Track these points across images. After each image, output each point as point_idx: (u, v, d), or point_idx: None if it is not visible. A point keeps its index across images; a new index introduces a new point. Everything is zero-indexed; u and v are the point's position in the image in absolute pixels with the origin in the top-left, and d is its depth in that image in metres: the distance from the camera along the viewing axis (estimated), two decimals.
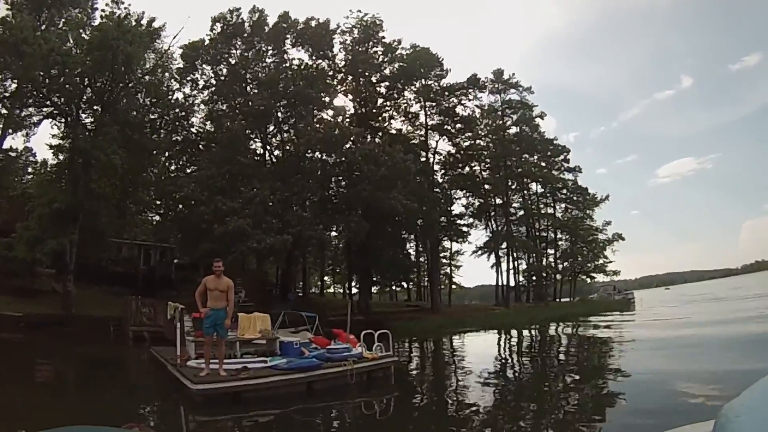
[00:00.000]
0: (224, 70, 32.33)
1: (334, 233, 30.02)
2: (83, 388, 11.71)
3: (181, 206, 28.85)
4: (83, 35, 26.44)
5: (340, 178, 29.38)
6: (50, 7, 27.88)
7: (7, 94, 26.75)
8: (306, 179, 28.29)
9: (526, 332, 24.96)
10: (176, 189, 27.73)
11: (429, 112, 36.80)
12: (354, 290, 35.54)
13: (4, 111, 27.03)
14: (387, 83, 35.15)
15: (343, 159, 28.01)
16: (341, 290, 52.39)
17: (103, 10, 27.71)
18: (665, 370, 10.05)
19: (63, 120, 27.60)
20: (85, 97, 26.87)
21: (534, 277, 43.68)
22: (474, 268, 78.11)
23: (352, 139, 28.43)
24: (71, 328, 21.86)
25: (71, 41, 25.91)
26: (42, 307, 23.69)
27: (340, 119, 31.33)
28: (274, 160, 32.16)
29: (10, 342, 17.87)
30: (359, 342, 11.29)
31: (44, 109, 27.71)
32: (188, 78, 32.46)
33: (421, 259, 38.30)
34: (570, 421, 7.18)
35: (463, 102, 37.40)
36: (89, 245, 27.21)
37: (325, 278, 48.07)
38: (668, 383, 8.62)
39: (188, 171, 31.11)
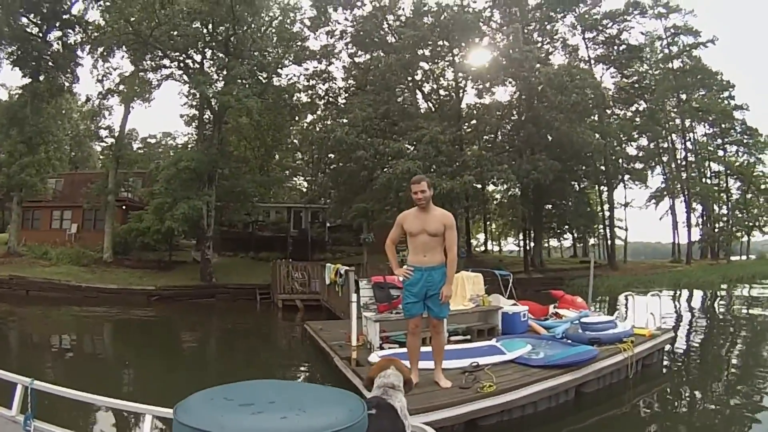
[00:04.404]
0: (360, 17, 29.13)
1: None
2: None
3: (334, 156, 26.03)
4: None
5: (518, 109, 25.40)
6: None
7: (127, 74, 24.69)
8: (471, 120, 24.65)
9: (735, 292, 20.98)
10: (327, 133, 23.91)
11: (590, 44, 32.16)
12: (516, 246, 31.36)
13: (124, 88, 24.64)
14: (538, 13, 30.68)
15: (519, 88, 24.09)
16: (497, 246, 49.00)
17: None
18: None
19: (186, 77, 25.40)
20: (208, 51, 24.66)
21: (708, 231, 37.81)
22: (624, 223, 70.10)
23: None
24: (211, 299, 20.33)
25: None
26: (179, 278, 22.30)
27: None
28: (426, 107, 28.72)
29: (141, 319, 15.84)
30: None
31: (163, 71, 25.75)
32: (321, 27, 29.63)
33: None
34: None
35: (626, 29, 32.37)
36: (231, 209, 25.32)
37: (487, 233, 44.14)
38: None
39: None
